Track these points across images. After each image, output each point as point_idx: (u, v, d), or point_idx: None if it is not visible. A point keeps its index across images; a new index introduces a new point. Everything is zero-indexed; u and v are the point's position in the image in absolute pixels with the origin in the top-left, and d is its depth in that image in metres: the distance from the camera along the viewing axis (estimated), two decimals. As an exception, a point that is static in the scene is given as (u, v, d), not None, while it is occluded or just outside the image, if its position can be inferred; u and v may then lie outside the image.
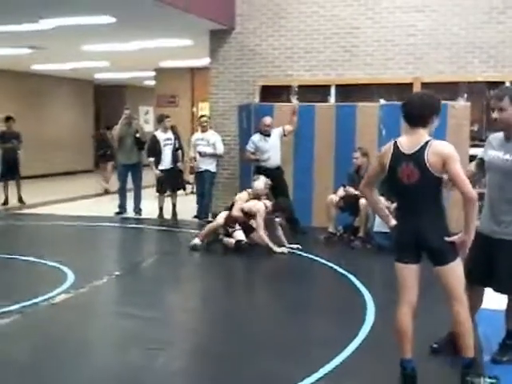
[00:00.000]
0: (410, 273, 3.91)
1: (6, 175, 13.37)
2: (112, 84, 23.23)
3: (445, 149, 3.77)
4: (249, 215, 8.54)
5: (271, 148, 9.86)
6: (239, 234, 8.44)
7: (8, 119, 13.68)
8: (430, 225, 3.82)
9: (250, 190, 8.84)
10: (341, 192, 9.09)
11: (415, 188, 3.83)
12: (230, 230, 8.50)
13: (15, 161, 13.39)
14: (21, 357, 4.79)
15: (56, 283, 6.63)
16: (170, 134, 11.46)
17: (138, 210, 11.86)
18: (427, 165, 3.74)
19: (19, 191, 13.45)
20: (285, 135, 9.97)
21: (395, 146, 3.91)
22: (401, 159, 3.85)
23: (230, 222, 8.51)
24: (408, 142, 3.86)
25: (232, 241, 8.39)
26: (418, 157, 3.78)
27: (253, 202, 8.58)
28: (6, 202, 13.23)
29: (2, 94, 18.86)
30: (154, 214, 11.42)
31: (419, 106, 3.86)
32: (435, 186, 3.82)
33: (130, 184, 12.01)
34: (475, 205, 3.73)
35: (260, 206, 8.43)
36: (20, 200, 13.41)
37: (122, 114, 11.86)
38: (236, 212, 8.56)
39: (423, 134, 3.84)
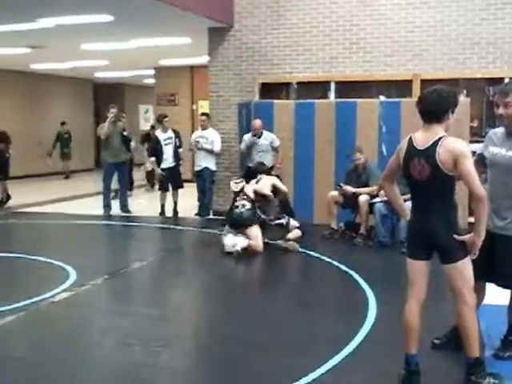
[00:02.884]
0: (420, 268, 3.91)
1: None
2: (112, 83, 23.23)
3: (457, 146, 3.74)
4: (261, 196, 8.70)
5: (256, 148, 10.19)
6: (241, 240, 8.37)
7: None
8: (440, 222, 3.81)
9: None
10: (336, 193, 9.07)
11: (426, 184, 3.82)
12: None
13: (2, 162, 13.22)
14: (23, 354, 4.80)
15: (58, 281, 6.64)
16: (170, 133, 11.51)
17: (125, 208, 11.86)
18: (438, 161, 3.72)
19: (7, 192, 13.23)
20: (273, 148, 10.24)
21: (410, 141, 3.90)
22: (414, 154, 3.84)
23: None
24: (422, 137, 3.85)
25: (231, 245, 8.22)
26: (429, 153, 3.76)
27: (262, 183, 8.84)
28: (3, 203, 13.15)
29: (1, 93, 18.85)
30: (147, 212, 11.45)
31: (433, 101, 3.83)
32: (446, 183, 3.79)
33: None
34: (485, 204, 3.72)
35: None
36: (6, 201, 13.15)
37: (108, 112, 11.75)
38: (250, 193, 8.69)
39: (438, 130, 3.82)
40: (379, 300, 5.92)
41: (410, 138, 3.92)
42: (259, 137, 10.16)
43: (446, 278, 3.90)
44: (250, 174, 9.41)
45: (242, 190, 8.72)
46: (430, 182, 3.80)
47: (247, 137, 10.31)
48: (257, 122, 10.15)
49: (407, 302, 3.96)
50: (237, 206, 8.50)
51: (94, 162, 22.28)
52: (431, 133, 3.82)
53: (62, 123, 19.48)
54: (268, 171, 9.36)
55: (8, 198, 13.20)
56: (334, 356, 4.48)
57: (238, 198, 8.62)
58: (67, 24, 10.97)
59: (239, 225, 8.33)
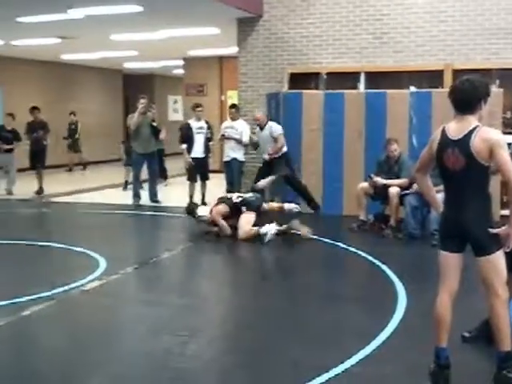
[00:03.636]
0: (452, 261, 3.86)
1: (33, 165, 13.51)
2: (141, 73, 23.34)
3: (493, 135, 3.68)
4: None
5: (261, 139, 10.35)
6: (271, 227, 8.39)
7: (33, 109, 13.76)
8: (474, 214, 3.75)
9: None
10: (366, 185, 9.00)
11: (460, 175, 3.76)
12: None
13: (40, 151, 13.49)
14: (55, 341, 4.87)
15: (89, 270, 6.70)
16: (202, 123, 11.60)
17: (154, 198, 11.94)
18: (472, 151, 3.66)
19: (41, 182, 13.40)
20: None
21: (443, 131, 3.85)
22: (447, 145, 3.79)
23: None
24: (455, 127, 3.79)
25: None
26: (463, 143, 3.70)
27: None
28: (41, 191, 13.34)
29: (32, 83, 19.07)
30: (178, 202, 11.51)
31: (466, 91, 3.78)
32: (481, 173, 3.73)
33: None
34: None
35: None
36: (40, 191, 13.31)
37: (138, 103, 11.83)
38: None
39: (471, 121, 3.76)
40: (409, 292, 5.87)
41: (443, 128, 3.86)
42: (262, 128, 10.30)
43: (478, 271, 3.85)
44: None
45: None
46: (463, 173, 3.75)
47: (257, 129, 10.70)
48: (256, 113, 10.45)
49: (439, 294, 3.91)
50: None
51: (124, 152, 22.40)
52: (464, 123, 3.77)
53: (71, 113, 18.84)
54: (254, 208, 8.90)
55: (41, 189, 13.39)
56: (364, 347, 4.46)
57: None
58: (97, 15, 11.04)
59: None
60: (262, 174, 10.33)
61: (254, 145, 10.85)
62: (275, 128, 10.20)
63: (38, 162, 13.47)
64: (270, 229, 8.27)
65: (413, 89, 10.09)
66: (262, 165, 10.55)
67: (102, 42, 14.98)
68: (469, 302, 4.92)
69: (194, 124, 11.56)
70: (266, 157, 10.29)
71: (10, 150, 13.40)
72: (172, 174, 15.76)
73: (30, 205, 12.04)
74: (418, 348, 4.43)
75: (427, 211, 8.24)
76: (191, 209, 9.31)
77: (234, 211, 8.58)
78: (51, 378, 4.17)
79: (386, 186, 8.70)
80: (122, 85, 23.34)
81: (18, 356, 4.55)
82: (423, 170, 4.11)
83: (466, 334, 4.57)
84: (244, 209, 8.57)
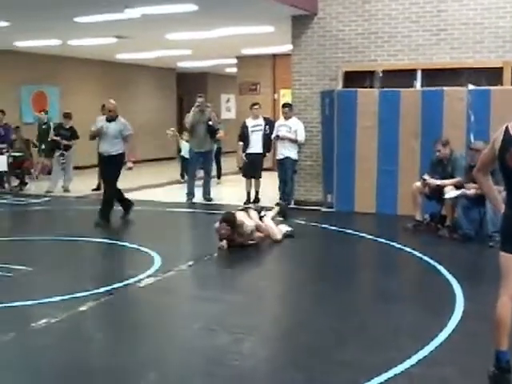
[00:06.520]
0: None
1: None
2: (194, 72, 23.51)
3: None
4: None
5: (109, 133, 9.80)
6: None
7: (104, 107, 13.94)
8: None
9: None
10: (420, 184, 8.87)
11: None
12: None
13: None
14: (110, 337, 4.95)
15: (144, 267, 6.78)
16: (259, 121, 11.78)
17: (207, 196, 12.04)
18: None
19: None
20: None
21: (506, 130, 3.74)
22: (510, 144, 3.69)
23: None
24: None
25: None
26: None
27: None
28: (98, 188, 13.58)
29: (88, 83, 19.43)
30: (230, 200, 11.58)
31: None
32: None
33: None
34: None
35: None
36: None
37: (195, 101, 12.08)
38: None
39: None
40: (466, 294, 5.76)
41: (507, 127, 3.76)
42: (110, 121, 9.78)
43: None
44: None
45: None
46: None
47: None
48: (110, 105, 9.94)
49: (499, 297, 3.81)
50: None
51: (176, 150, 22.62)
52: None
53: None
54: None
55: (99, 185, 13.63)
56: (423, 348, 4.39)
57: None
58: (153, 14, 11.15)
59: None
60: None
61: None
62: (127, 124, 9.89)
63: None
64: (286, 227, 8.61)
65: (471, 86, 9.88)
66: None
67: (157, 41, 15.14)
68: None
69: (249, 123, 11.79)
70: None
71: (67, 148, 13.67)
72: (225, 172, 15.86)
73: (86, 202, 12.26)
74: (477, 351, 4.35)
75: (484, 212, 8.06)
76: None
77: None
78: (105, 373, 4.22)
79: (441, 186, 8.56)
80: (176, 84, 23.55)
81: (73, 350, 4.62)
82: (484, 169, 4.01)
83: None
84: (263, 213, 8.56)
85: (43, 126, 14.70)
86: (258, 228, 8.15)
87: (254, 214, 8.34)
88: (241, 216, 7.96)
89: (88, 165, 15.82)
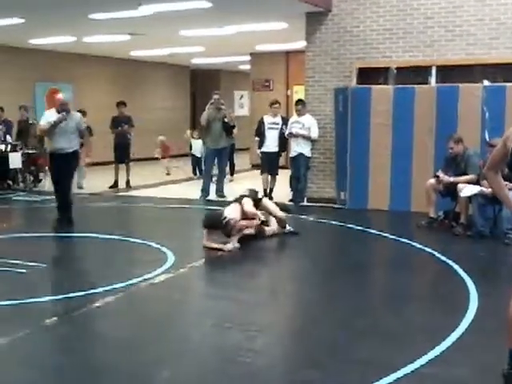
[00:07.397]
0: None
1: (117, 159, 13.85)
2: (208, 69, 23.51)
3: None
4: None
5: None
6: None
7: (119, 104, 14.05)
8: None
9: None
10: (434, 182, 8.82)
11: None
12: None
13: (126, 145, 13.81)
14: (122, 334, 4.95)
15: (157, 263, 6.79)
16: (277, 119, 11.89)
17: (220, 193, 12.06)
18: None
19: (128, 175, 13.85)
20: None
21: None
22: None
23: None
24: None
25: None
26: None
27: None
28: (115, 185, 13.64)
29: (101, 80, 19.49)
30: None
31: None
32: None
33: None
34: None
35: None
36: (128, 184, 13.82)
37: (211, 98, 12.10)
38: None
39: None
40: (480, 292, 5.71)
41: None
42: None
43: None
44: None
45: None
46: None
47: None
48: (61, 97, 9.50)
49: None
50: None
51: (189, 147, 22.65)
52: None
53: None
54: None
55: (128, 184, 13.83)
56: (434, 347, 4.36)
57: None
58: (167, 11, 11.16)
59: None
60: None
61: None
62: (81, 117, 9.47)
63: (124, 155, 13.76)
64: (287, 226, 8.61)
65: (486, 83, 9.79)
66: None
67: (170, 37, 15.15)
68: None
69: (267, 119, 11.87)
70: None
71: (81, 146, 13.68)
72: (237, 169, 15.85)
73: (99, 199, 12.30)
74: (491, 350, 4.30)
75: (499, 209, 8.00)
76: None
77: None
78: (119, 370, 4.22)
79: (455, 183, 8.51)
80: (190, 80, 23.56)
81: (87, 347, 4.64)
82: (495, 168, 3.95)
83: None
84: (260, 195, 8.65)
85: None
86: (246, 216, 7.96)
87: (247, 200, 8.11)
88: (228, 211, 7.83)
89: (101, 161, 15.90)
